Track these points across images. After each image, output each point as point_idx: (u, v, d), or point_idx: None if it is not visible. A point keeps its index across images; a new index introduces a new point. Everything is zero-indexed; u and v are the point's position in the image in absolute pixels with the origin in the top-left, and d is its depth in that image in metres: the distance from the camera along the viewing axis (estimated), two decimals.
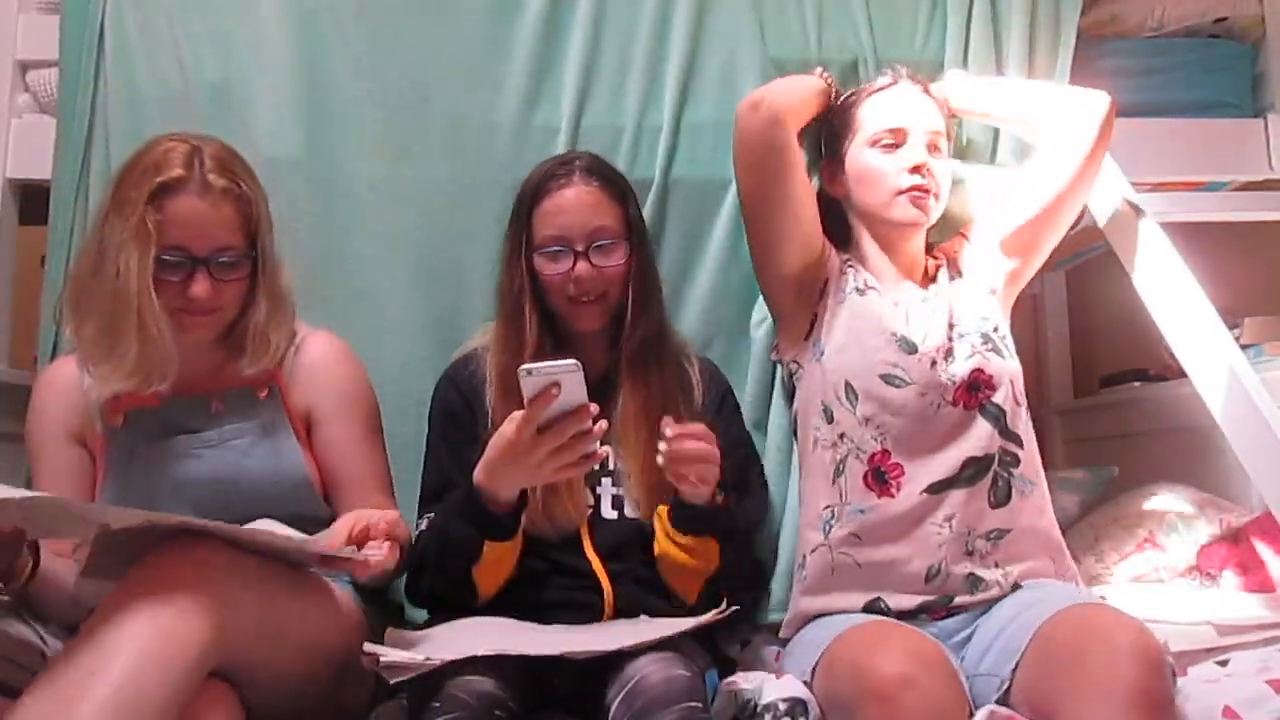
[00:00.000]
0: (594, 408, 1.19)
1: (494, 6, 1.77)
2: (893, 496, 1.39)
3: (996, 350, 1.46)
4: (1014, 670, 1.20)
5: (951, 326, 1.48)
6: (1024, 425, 1.46)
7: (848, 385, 1.44)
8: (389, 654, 1.12)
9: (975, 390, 1.43)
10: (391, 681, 1.10)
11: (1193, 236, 1.77)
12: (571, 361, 1.16)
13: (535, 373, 1.15)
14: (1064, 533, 1.48)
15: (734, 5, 1.79)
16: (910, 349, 1.44)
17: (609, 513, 1.40)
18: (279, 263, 1.39)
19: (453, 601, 1.32)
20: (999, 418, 1.43)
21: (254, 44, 1.73)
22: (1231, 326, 1.62)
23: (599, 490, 1.40)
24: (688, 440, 1.25)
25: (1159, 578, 1.64)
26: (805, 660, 1.27)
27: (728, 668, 1.44)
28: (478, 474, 1.25)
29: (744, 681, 1.27)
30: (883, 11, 1.79)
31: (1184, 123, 1.86)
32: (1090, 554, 1.70)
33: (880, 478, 1.40)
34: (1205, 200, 2.00)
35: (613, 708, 1.10)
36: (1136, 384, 2.27)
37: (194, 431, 1.35)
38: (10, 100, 1.80)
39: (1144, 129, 1.84)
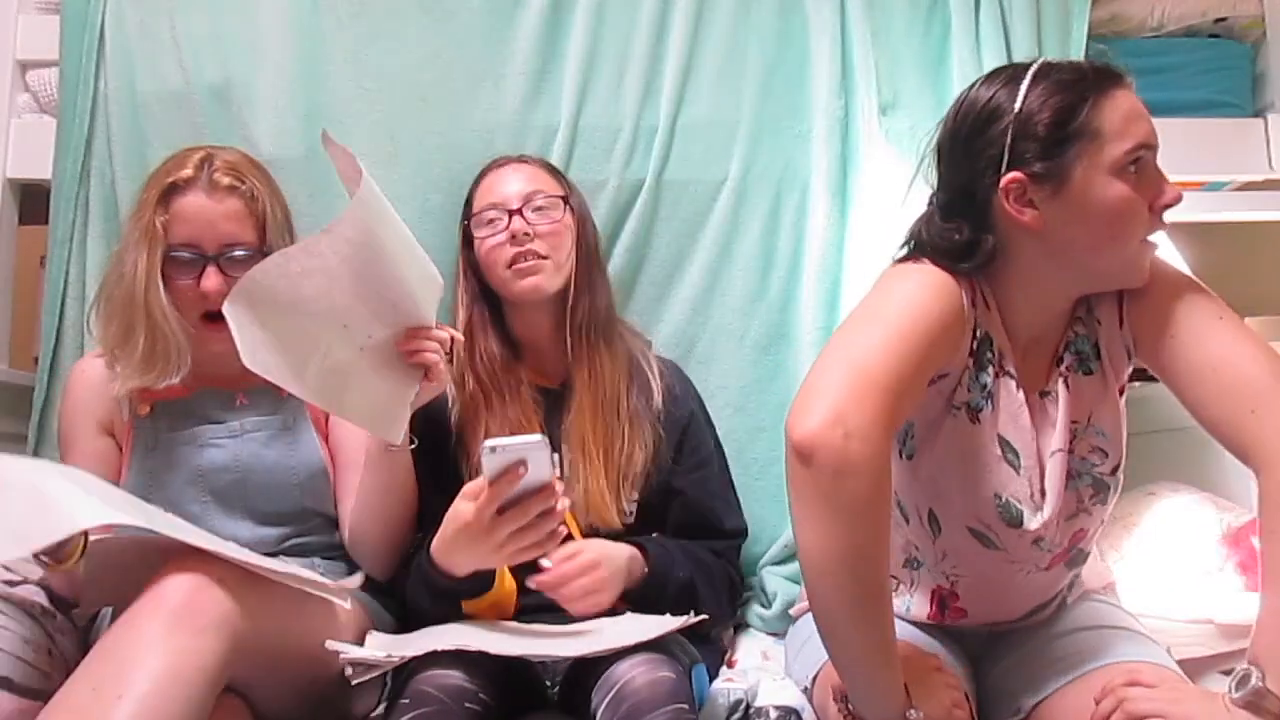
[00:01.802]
0: (559, 485, 1.15)
1: (494, 6, 1.77)
2: (947, 624, 1.25)
3: (1103, 498, 1.19)
4: (1036, 704, 1.15)
5: (1070, 462, 1.17)
6: (1095, 536, 1.24)
7: (932, 513, 1.19)
8: (351, 651, 1.11)
9: (1070, 551, 1.21)
10: (354, 682, 1.10)
11: (1193, 236, 1.77)
12: (538, 437, 1.13)
13: (500, 450, 1.09)
14: None
15: (732, 7, 1.80)
16: (1014, 521, 1.14)
17: (584, 518, 1.36)
18: None
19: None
20: (1080, 560, 1.24)
21: (254, 44, 1.73)
22: None
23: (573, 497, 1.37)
24: (569, 580, 1.21)
25: (1159, 577, 1.63)
26: (807, 662, 1.24)
27: (718, 653, 1.44)
28: (435, 548, 1.21)
29: (738, 680, 1.27)
30: (883, 11, 1.79)
31: (1184, 123, 1.86)
32: None
33: (940, 606, 1.25)
34: (1205, 200, 2.00)
35: (599, 713, 1.09)
36: (1137, 384, 2.26)
37: (217, 422, 1.39)
38: (10, 100, 1.81)
39: None
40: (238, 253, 1.33)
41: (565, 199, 1.45)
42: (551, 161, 1.63)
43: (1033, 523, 1.14)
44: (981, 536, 1.16)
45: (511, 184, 1.44)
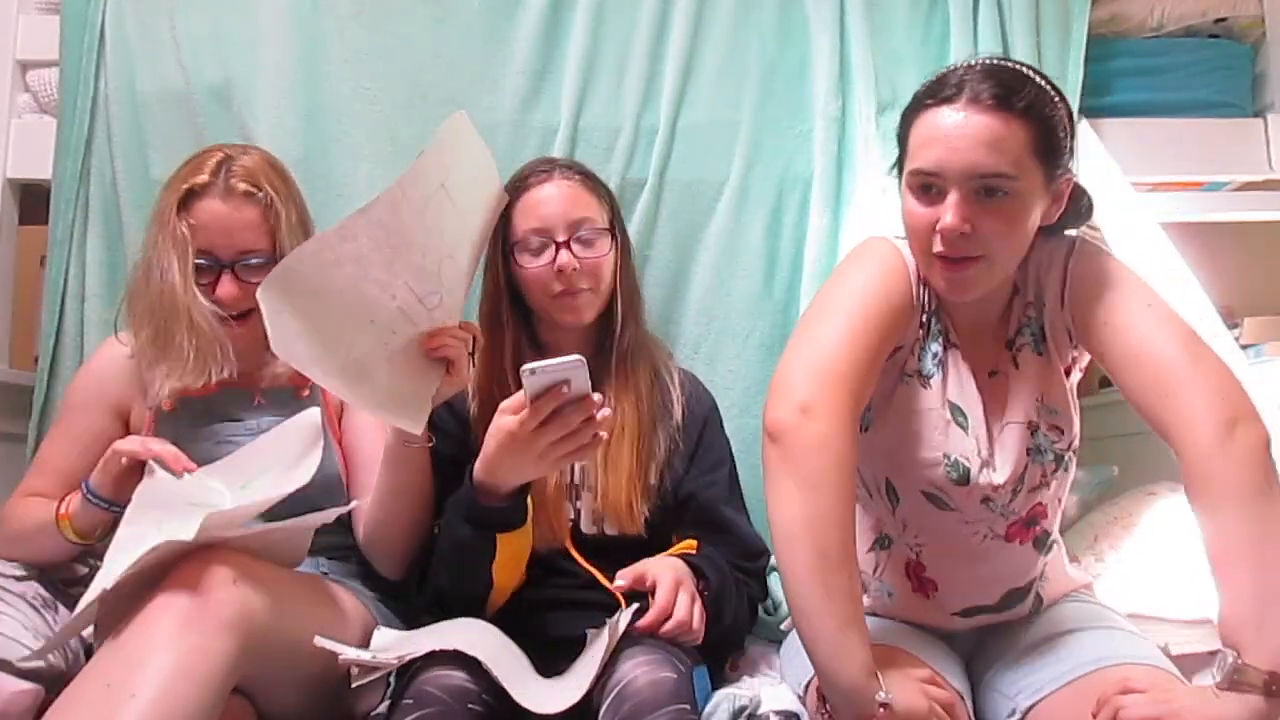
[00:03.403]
0: (598, 397, 1.15)
1: (493, 6, 1.78)
2: (927, 598, 1.28)
3: (1060, 472, 1.24)
4: (1031, 706, 1.16)
5: (1029, 441, 1.21)
6: (1058, 516, 1.29)
7: (889, 483, 1.25)
8: (346, 651, 1.11)
9: (1031, 525, 1.24)
10: (354, 684, 1.10)
11: (1193, 236, 1.77)
12: (576, 357, 1.12)
13: (539, 371, 1.11)
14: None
15: (731, 7, 1.80)
16: (962, 479, 1.20)
17: (588, 528, 1.37)
18: None
19: (462, 604, 1.29)
20: (1046, 541, 1.27)
21: (254, 44, 1.74)
22: (1231, 326, 1.62)
23: (578, 505, 1.37)
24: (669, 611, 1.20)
25: (1159, 577, 1.64)
26: (802, 668, 1.24)
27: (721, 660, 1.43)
28: (477, 470, 1.22)
29: (743, 687, 1.27)
30: (883, 10, 1.79)
31: (1184, 123, 1.86)
32: (1090, 553, 1.70)
33: (915, 579, 1.28)
34: (1205, 200, 2.00)
35: (601, 711, 1.09)
36: None
37: (235, 420, 1.39)
38: (10, 100, 1.81)
39: (1144, 129, 1.84)
40: (253, 260, 1.33)
41: (611, 229, 1.42)
42: None
43: (980, 479, 1.20)
44: (935, 499, 1.22)
45: (556, 205, 1.38)
